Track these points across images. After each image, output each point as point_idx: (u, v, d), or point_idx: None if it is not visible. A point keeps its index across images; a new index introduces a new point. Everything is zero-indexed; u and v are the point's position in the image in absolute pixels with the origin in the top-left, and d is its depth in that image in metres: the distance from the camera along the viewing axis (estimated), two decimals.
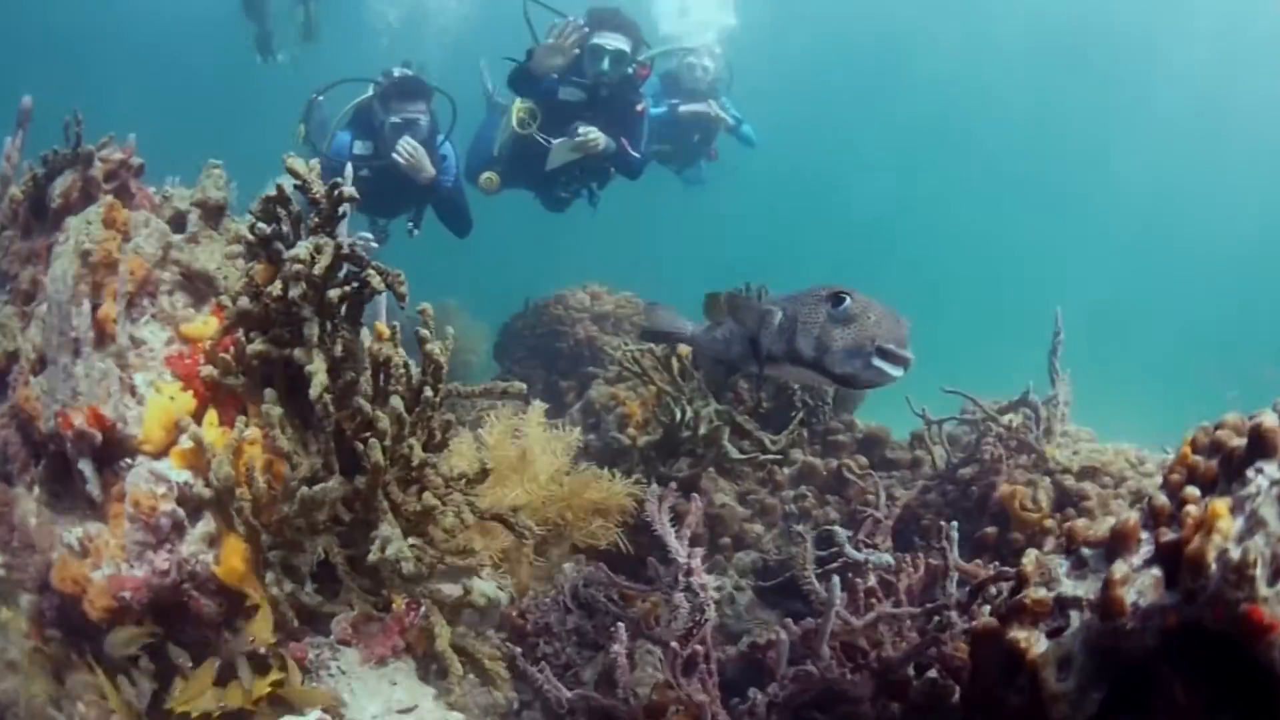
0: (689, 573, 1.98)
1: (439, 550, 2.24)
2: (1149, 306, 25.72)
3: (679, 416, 3.94)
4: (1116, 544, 1.29)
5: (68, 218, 2.59)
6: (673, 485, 2.28)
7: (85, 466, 2.41)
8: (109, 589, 2.31)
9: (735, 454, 4.04)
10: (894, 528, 3.36)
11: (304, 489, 2.01)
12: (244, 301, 2.28)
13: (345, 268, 2.11)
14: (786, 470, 4.26)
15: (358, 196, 2.10)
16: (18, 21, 19.19)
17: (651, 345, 4.35)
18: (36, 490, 2.62)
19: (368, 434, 2.14)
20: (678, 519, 2.23)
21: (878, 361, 2.14)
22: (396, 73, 6.05)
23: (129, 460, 2.38)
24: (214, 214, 2.67)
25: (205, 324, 2.54)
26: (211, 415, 2.43)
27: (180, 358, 2.49)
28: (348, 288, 2.09)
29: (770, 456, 4.09)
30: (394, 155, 5.57)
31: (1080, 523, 1.50)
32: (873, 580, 2.49)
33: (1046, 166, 25.61)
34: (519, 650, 2.77)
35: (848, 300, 2.22)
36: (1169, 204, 26.47)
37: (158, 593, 2.31)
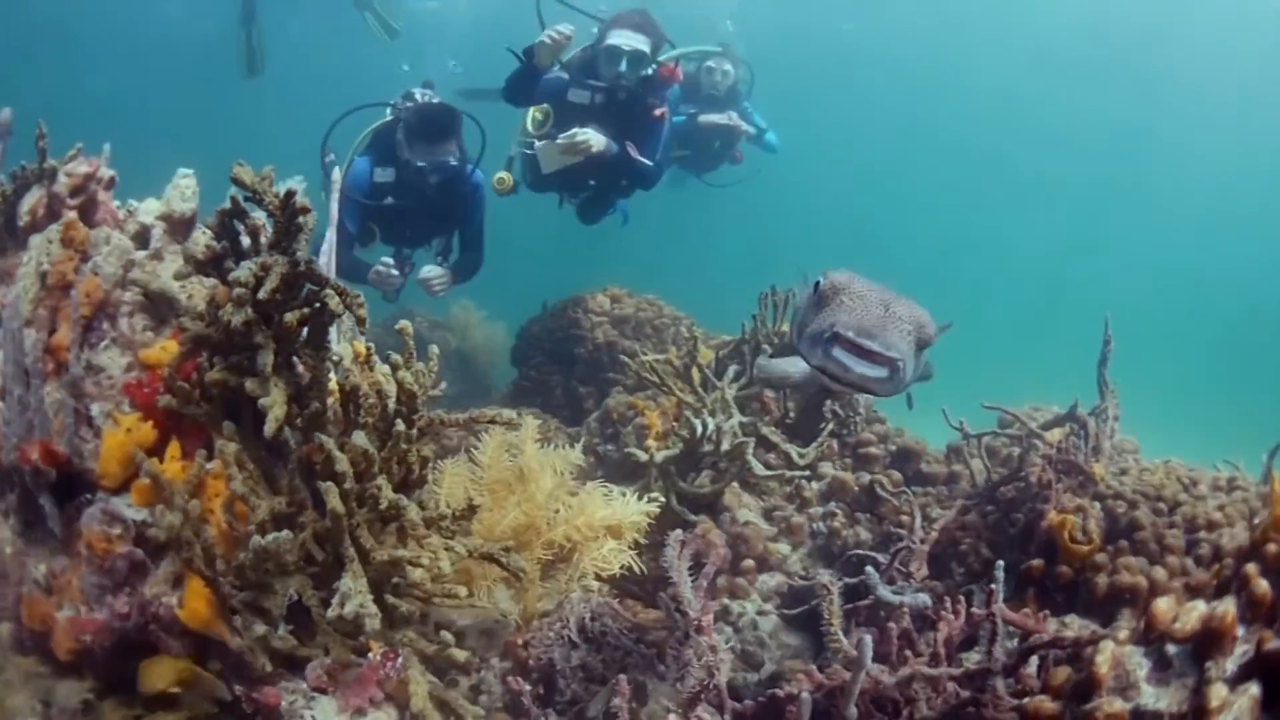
0: (699, 630, 1.76)
1: (424, 593, 2.03)
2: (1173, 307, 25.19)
3: (700, 431, 3.70)
4: (1209, 644, 1.05)
5: (32, 236, 2.42)
6: (697, 532, 2.05)
7: (45, 502, 2.24)
8: (72, 631, 2.15)
9: (761, 470, 3.80)
10: (930, 552, 3.12)
11: (257, 539, 1.80)
12: (198, 325, 2.08)
13: (305, 287, 1.90)
14: (815, 485, 4.02)
15: (310, 207, 1.89)
16: (19, 19, 19.19)
17: (671, 352, 4.12)
18: (11, 519, 2.48)
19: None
20: (697, 562, 2.02)
21: (837, 353, 1.92)
22: (419, 95, 5.60)
23: (89, 495, 2.21)
24: (180, 228, 2.48)
25: (164, 349, 2.34)
26: (173, 447, 2.25)
27: (139, 385, 2.30)
28: (306, 309, 1.88)
29: (798, 472, 3.85)
30: (424, 289, 5.36)
31: (1162, 606, 1.25)
32: (907, 622, 2.26)
33: (1086, 167, 24.94)
34: (526, 688, 2.57)
35: (820, 281, 2.04)
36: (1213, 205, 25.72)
37: (121, 635, 2.14)
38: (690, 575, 2.35)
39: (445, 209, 5.46)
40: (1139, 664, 1.29)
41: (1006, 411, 3.38)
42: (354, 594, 1.76)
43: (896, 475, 3.86)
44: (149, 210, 2.65)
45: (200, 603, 2.07)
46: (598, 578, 3.07)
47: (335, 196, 3.20)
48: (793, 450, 3.95)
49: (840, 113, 22.92)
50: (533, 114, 5.75)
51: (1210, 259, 26.00)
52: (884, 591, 2.23)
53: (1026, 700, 1.60)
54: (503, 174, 5.68)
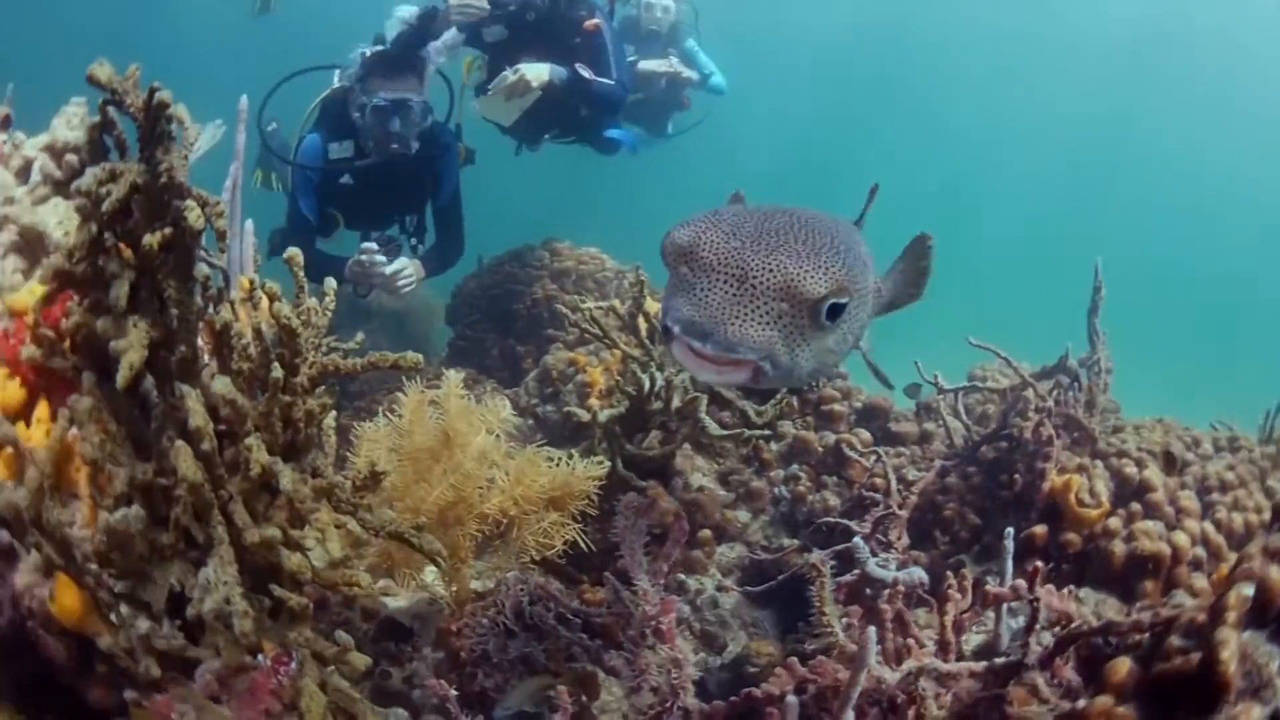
0: (659, 634, 1.39)
1: (321, 580, 1.63)
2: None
3: (647, 386, 3.33)
4: None
5: None
6: (651, 497, 1.68)
7: None
8: None
9: (715, 429, 3.44)
10: (909, 518, 2.80)
11: (104, 517, 1.39)
12: (57, 259, 1.66)
13: (173, 205, 1.48)
14: (775, 446, 3.68)
15: (169, 101, 1.46)
16: None
17: (615, 302, 3.72)
18: None
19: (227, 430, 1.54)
20: (657, 542, 1.64)
21: (676, 350, 1.47)
22: (369, 52, 4.77)
23: None
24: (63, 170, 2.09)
25: (31, 292, 1.96)
26: (42, 408, 1.88)
27: (5, 337, 1.93)
28: (167, 230, 1.45)
29: (756, 432, 3.50)
30: (386, 289, 4.52)
31: (1275, 575, 0.94)
32: (900, 604, 1.92)
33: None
34: (453, 691, 2.18)
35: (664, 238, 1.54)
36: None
37: None
38: (644, 550, 1.99)
39: (414, 174, 4.73)
40: (1269, 654, 0.98)
41: (997, 353, 3.06)
42: (216, 585, 1.36)
43: (866, 435, 3.53)
44: (37, 143, 2.31)
45: (71, 596, 1.68)
46: (534, 561, 2.69)
47: (240, 128, 2.78)
48: (749, 407, 3.60)
49: (793, 49, 22.41)
50: (466, 70, 5.26)
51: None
52: (874, 567, 1.89)
53: (1086, 703, 1.26)
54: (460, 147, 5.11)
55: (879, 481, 2.99)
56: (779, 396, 3.69)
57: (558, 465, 2.81)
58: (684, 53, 6.97)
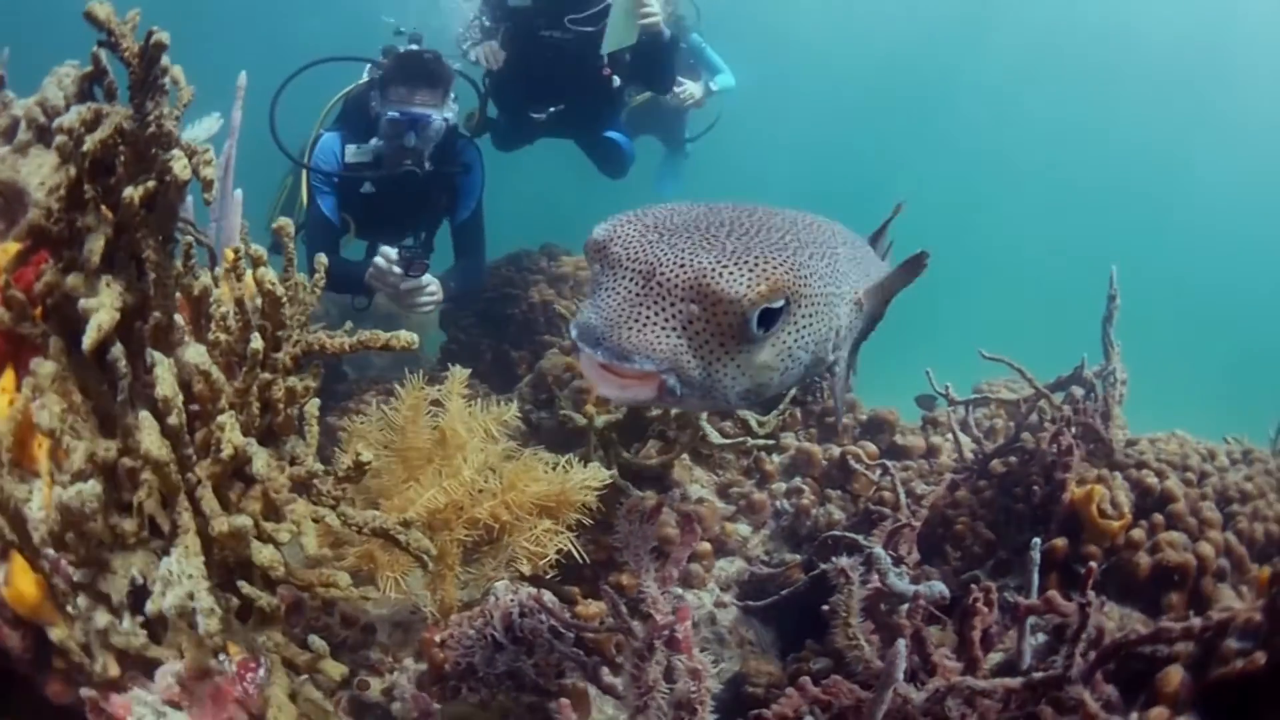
0: (675, 645, 1.27)
1: (296, 580, 1.50)
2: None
3: None
4: None
5: None
6: (653, 494, 1.56)
7: None
8: None
9: (716, 438, 3.33)
10: (919, 533, 2.68)
11: (59, 492, 1.26)
12: (35, 215, 1.54)
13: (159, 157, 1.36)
14: (776, 458, 3.56)
15: (166, 43, 1.35)
16: None
17: None
18: None
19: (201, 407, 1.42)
20: (661, 548, 1.52)
21: (583, 361, 1.32)
22: (401, 49, 4.41)
23: None
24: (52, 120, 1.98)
25: (4, 251, 1.83)
26: (8, 377, 1.74)
27: None
28: (150, 184, 1.33)
29: (758, 442, 3.38)
30: (402, 302, 4.29)
31: None
32: (920, 620, 1.80)
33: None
34: (436, 706, 2.05)
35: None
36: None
37: None
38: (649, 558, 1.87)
39: (429, 191, 4.47)
40: None
41: (1012, 364, 2.95)
42: (178, 579, 1.23)
43: (872, 448, 3.42)
44: (25, 104, 2.19)
45: (26, 580, 1.55)
46: (523, 575, 2.56)
47: (238, 104, 2.67)
48: (751, 418, 3.50)
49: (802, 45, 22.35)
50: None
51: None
52: (895, 579, 1.76)
53: (1137, 717, 1.16)
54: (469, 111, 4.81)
55: (886, 495, 2.87)
56: (781, 407, 3.58)
57: (554, 471, 2.69)
58: (692, 46, 6.90)
